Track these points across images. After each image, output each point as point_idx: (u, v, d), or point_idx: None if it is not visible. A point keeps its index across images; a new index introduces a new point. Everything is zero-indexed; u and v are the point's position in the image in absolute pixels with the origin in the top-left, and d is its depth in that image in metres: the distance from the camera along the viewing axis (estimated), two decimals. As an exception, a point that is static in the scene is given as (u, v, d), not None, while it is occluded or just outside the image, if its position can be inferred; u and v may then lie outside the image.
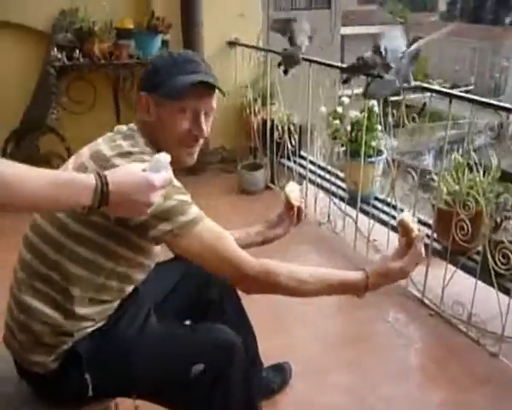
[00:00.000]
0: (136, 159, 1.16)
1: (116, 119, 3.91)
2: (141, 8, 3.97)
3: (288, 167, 3.76)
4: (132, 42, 3.71)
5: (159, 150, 1.15)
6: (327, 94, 3.20)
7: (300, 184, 3.64)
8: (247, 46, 4.07)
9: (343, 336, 2.42)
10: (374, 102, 2.98)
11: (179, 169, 1.29)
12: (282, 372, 2.04)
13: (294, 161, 3.71)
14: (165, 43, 3.80)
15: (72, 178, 0.97)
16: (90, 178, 0.96)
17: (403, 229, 1.36)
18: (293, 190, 1.61)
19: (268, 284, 1.25)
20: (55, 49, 3.53)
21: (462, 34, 26.30)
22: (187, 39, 3.97)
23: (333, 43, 15.53)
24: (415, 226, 1.36)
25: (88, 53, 3.57)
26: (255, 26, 4.33)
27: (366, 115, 2.88)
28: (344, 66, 2.92)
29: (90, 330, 1.27)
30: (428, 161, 5.51)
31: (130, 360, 1.27)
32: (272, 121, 3.83)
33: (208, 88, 1.29)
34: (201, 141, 1.33)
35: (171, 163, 1.08)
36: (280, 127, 3.76)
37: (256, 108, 4.09)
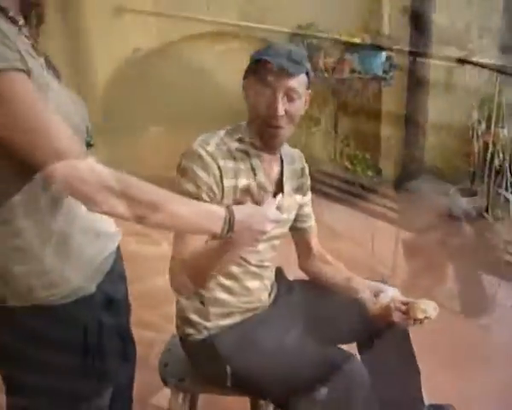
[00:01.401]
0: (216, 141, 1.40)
1: (334, 132, 4.10)
2: (372, 23, 4.05)
3: (505, 198, 3.46)
4: (356, 56, 3.82)
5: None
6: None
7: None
8: (475, 64, 3.83)
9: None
10: None
11: (266, 148, 1.44)
12: (442, 415, 1.94)
13: (512, 193, 3.40)
14: (388, 59, 3.81)
15: (211, 209, 1.13)
16: (222, 210, 1.09)
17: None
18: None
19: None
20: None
21: None
22: (412, 57, 3.93)
23: None
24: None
25: (314, 66, 3.80)
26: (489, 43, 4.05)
27: None
28: None
29: (215, 309, 1.45)
30: None
31: (263, 366, 1.37)
32: (494, 146, 3.56)
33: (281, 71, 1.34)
34: (282, 122, 1.37)
35: (258, 143, 1.40)
36: (501, 154, 3.47)
37: (480, 130, 3.83)
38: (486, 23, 3.98)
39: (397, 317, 1.44)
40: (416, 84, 4.00)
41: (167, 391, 1.60)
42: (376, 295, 1.53)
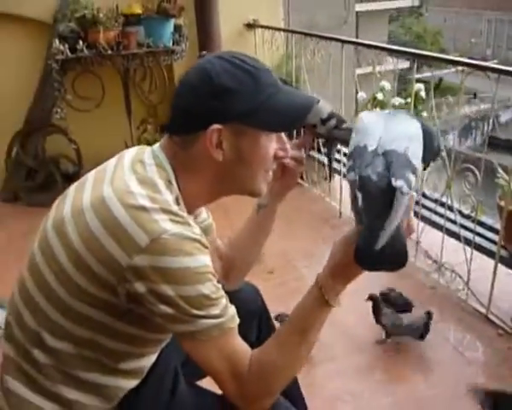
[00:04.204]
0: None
1: (127, 115, 3.57)
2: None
3: (319, 161, 3.41)
4: (141, 28, 3.34)
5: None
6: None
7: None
8: (267, 27, 3.69)
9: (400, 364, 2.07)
10: (420, 86, 2.60)
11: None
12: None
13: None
14: (177, 28, 3.42)
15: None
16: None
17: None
18: None
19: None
20: (57, 41, 3.18)
21: (477, 5, 25.52)
22: (202, 23, 3.61)
23: (347, 22, 14.82)
24: None
25: (93, 43, 3.21)
26: (276, 6, 3.96)
27: (413, 101, 2.48)
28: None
29: None
30: (453, 140, 5.10)
31: None
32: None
33: None
34: None
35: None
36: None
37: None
38: None
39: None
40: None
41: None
42: None
